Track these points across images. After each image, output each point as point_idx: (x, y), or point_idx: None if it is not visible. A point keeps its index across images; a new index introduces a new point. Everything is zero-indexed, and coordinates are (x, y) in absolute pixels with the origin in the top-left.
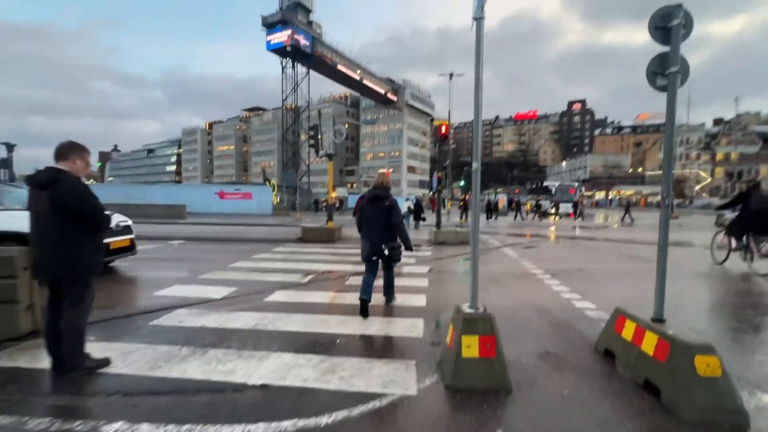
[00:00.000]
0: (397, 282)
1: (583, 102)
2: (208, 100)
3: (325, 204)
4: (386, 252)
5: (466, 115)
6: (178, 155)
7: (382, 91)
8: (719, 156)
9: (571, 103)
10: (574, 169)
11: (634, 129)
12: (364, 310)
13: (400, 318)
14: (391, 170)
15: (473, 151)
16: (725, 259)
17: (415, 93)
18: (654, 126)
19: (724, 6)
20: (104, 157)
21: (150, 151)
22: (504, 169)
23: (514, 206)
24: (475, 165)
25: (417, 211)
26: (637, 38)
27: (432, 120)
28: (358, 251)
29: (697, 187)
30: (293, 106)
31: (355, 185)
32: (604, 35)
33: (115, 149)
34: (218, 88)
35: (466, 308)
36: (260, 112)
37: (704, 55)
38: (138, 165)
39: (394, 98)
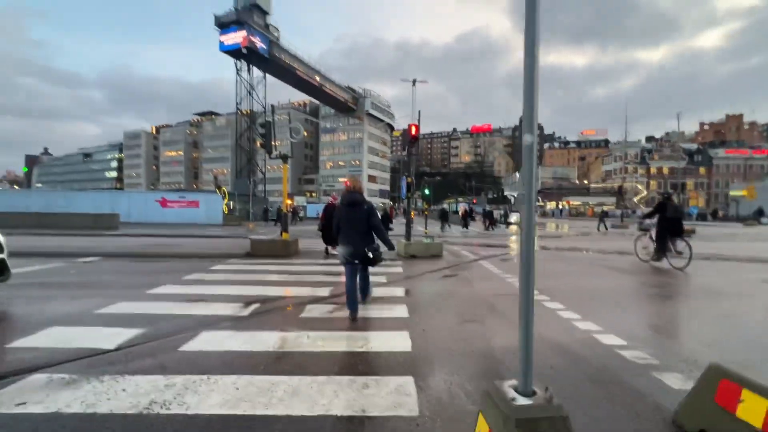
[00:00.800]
0: (371, 312)
1: None
2: (156, 103)
3: (280, 213)
4: (370, 255)
5: (424, 127)
6: (120, 160)
7: (342, 99)
8: (653, 170)
9: (521, 119)
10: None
11: (579, 144)
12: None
13: (380, 376)
14: (351, 179)
15: (523, 121)
16: (650, 259)
17: (375, 102)
18: (596, 141)
19: (651, 36)
20: (32, 161)
21: (87, 155)
22: (461, 180)
23: (476, 216)
24: (529, 138)
25: (384, 220)
26: (577, 61)
27: (392, 129)
28: (318, 268)
29: (635, 199)
30: (248, 111)
31: (314, 194)
32: (549, 57)
33: (46, 152)
34: (167, 92)
35: (514, 394)
36: (213, 116)
37: (634, 79)
38: (72, 170)
39: (355, 107)
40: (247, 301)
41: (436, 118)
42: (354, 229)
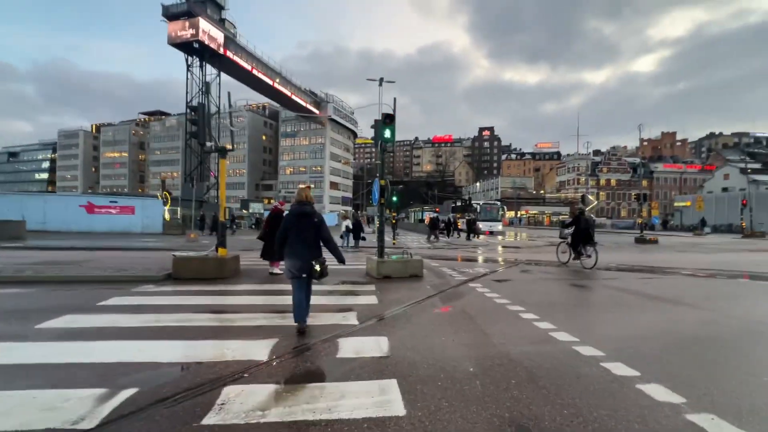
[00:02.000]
0: (344, 402)
1: (491, 129)
2: (99, 102)
3: (216, 221)
4: (317, 268)
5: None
6: (52, 161)
7: (304, 103)
8: (602, 181)
9: (481, 129)
10: (487, 190)
11: (534, 155)
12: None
13: None
14: (312, 186)
15: None
16: (567, 261)
17: (338, 108)
18: (549, 153)
19: (595, 59)
20: None
21: (13, 154)
22: (423, 188)
23: (446, 226)
24: None
25: (356, 230)
26: (530, 78)
27: (355, 136)
28: (260, 300)
29: (587, 209)
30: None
31: (272, 201)
32: (506, 73)
33: None
34: (112, 90)
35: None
36: (162, 116)
37: (581, 97)
38: None
39: (317, 111)
40: (113, 385)
41: (398, 128)
42: (303, 242)
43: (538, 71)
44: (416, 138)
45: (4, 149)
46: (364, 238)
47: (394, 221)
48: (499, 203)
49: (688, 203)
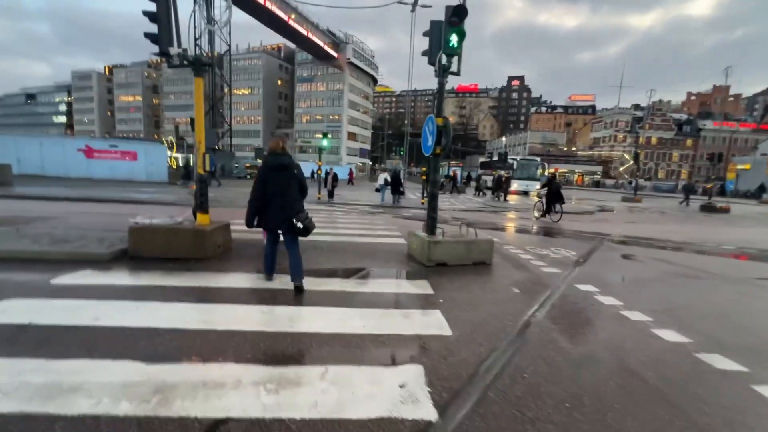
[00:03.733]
0: None
1: (521, 79)
2: (113, 42)
3: (189, 170)
4: (299, 225)
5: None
6: (69, 104)
7: (321, 44)
8: (642, 139)
9: (510, 79)
10: (514, 145)
11: (566, 109)
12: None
13: None
14: (329, 135)
15: None
16: (541, 216)
17: (358, 50)
18: (583, 107)
19: (641, 1)
20: None
21: (30, 96)
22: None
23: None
24: None
25: (395, 183)
26: (568, 21)
27: (375, 83)
28: (252, 312)
29: (621, 169)
30: (211, 54)
31: (288, 150)
32: (540, 15)
33: None
34: (126, 30)
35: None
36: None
37: (623, 45)
38: (13, 113)
39: (335, 54)
40: None
41: (419, 77)
42: (281, 197)
43: (577, 13)
44: None
45: (21, 90)
46: (402, 193)
47: (423, 177)
48: (538, 159)
49: (748, 166)
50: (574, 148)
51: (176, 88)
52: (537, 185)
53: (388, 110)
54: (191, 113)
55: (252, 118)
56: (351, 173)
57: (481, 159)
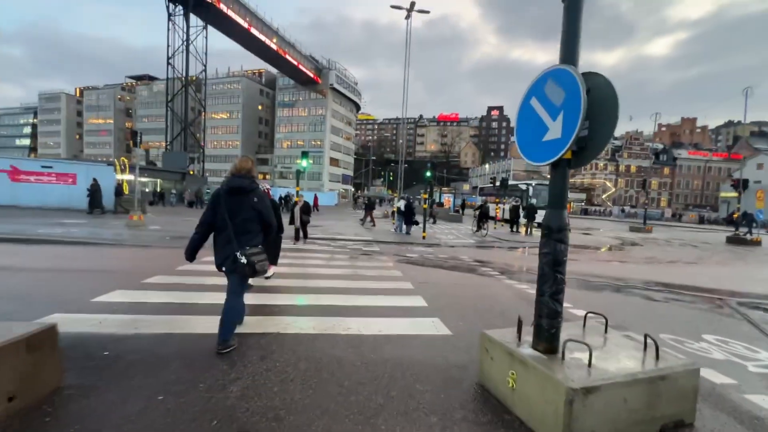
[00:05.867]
0: None
1: (500, 109)
2: (90, 66)
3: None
4: (242, 260)
5: (389, 113)
6: (34, 125)
7: (304, 69)
8: (621, 167)
9: (490, 109)
10: (498, 172)
11: None
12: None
13: None
14: (311, 161)
15: None
16: (477, 231)
17: (341, 76)
18: None
19: (608, 39)
20: None
21: None
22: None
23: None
24: None
25: (408, 213)
26: (540, 57)
27: (358, 110)
28: None
29: (603, 196)
30: (190, 77)
31: (268, 176)
32: (514, 51)
33: None
34: (102, 54)
35: None
36: (150, 81)
37: None
38: None
39: (318, 79)
40: None
41: (400, 104)
42: (232, 227)
43: (547, 50)
44: (421, 116)
45: None
46: (416, 223)
47: (425, 206)
48: None
49: (736, 194)
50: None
51: (150, 111)
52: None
53: (370, 137)
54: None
55: (230, 142)
56: (315, 198)
57: (481, 185)
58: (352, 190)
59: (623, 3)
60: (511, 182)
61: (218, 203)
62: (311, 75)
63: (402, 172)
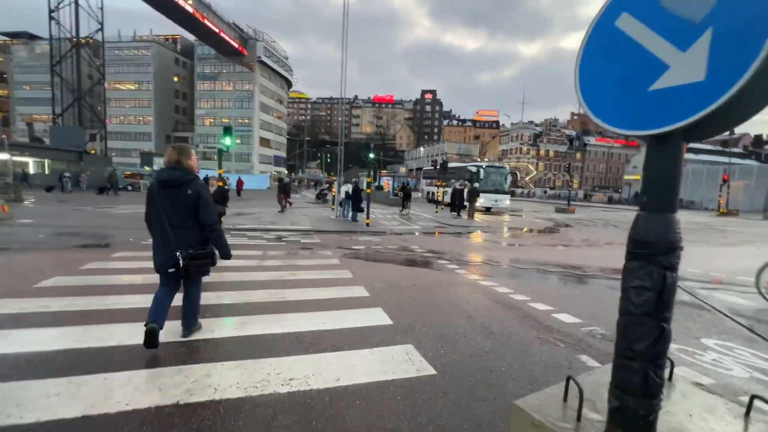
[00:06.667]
0: None
1: (433, 93)
2: None
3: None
4: (182, 262)
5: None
6: None
7: (227, 38)
8: (542, 152)
9: (424, 92)
10: (432, 156)
11: (474, 123)
12: (151, 342)
13: None
14: (237, 140)
15: None
16: (401, 211)
17: (270, 49)
18: (489, 122)
19: (530, 31)
20: None
21: None
22: (362, 151)
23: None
24: None
25: (356, 197)
26: (470, 44)
27: (289, 87)
28: None
29: (527, 178)
30: (82, 37)
31: (188, 163)
32: (446, 35)
33: None
34: None
35: None
36: (29, 40)
37: (515, 69)
38: None
39: (243, 51)
40: None
41: (336, 83)
42: (169, 223)
43: (477, 37)
44: (356, 96)
45: None
46: (362, 210)
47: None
48: (507, 167)
49: (637, 177)
50: (486, 159)
51: (34, 76)
52: (507, 200)
53: (304, 117)
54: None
55: (141, 118)
56: (239, 183)
57: (425, 167)
58: (286, 172)
59: None
60: (458, 164)
61: (152, 198)
62: (235, 45)
63: (342, 154)
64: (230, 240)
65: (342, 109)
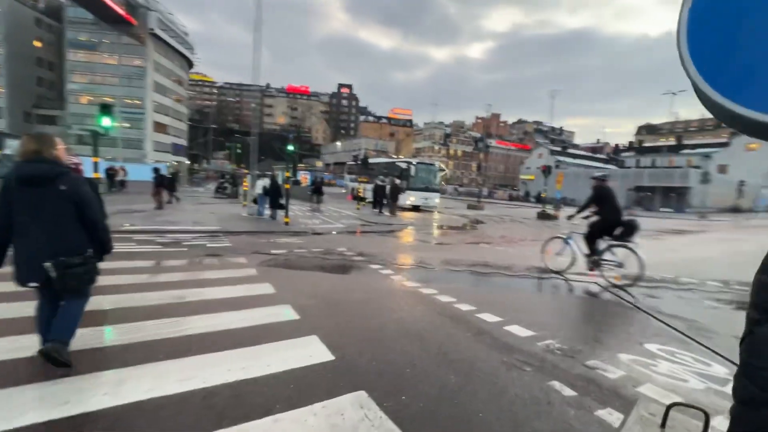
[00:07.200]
0: None
1: (350, 87)
2: None
3: None
4: (53, 273)
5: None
6: None
7: (109, 1)
8: (452, 151)
9: (340, 86)
10: (349, 151)
11: (389, 120)
12: (54, 360)
13: None
14: (127, 126)
15: None
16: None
17: (166, 22)
18: (403, 120)
19: (440, 36)
20: None
21: None
22: (277, 143)
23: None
24: None
25: (274, 193)
26: (384, 42)
27: (190, 67)
28: None
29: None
30: None
31: (59, 155)
32: (361, 31)
33: None
34: None
35: None
36: None
37: (426, 71)
38: None
39: (131, 20)
40: None
41: (248, 71)
42: (36, 227)
43: (391, 36)
44: (268, 84)
45: None
46: (282, 206)
47: (288, 185)
48: (437, 164)
49: (532, 177)
50: (400, 156)
51: None
52: (437, 198)
53: (209, 102)
54: None
55: None
56: (114, 172)
57: (349, 162)
58: (188, 162)
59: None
60: (387, 160)
61: (9, 199)
62: (120, 12)
63: (256, 145)
64: (126, 245)
65: (255, 96)
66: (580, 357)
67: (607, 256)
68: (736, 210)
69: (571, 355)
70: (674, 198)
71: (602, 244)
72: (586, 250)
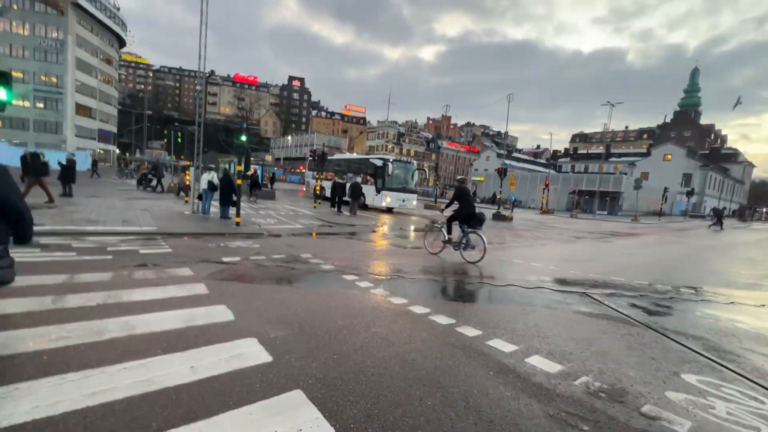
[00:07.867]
0: None
1: (302, 80)
2: None
3: None
4: None
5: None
6: None
7: None
8: (405, 151)
9: (291, 78)
10: (300, 146)
11: (343, 117)
12: None
13: None
14: (40, 105)
15: None
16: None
17: None
18: (357, 117)
19: (393, 36)
20: None
21: None
22: (221, 134)
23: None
24: None
25: (228, 190)
26: (337, 38)
27: (122, 45)
28: None
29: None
30: None
31: None
32: (314, 24)
33: None
34: None
35: None
36: None
37: (379, 70)
38: None
39: None
40: None
41: (189, 56)
42: None
43: (344, 32)
44: (213, 71)
45: None
46: (235, 204)
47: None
48: (414, 163)
49: (482, 178)
50: (354, 154)
51: None
52: (414, 200)
53: (143, 86)
54: None
55: None
56: (23, 159)
57: (308, 158)
58: (117, 151)
59: (405, 7)
60: (358, 156)
61: None
62: None
63: (201, 134)
64: (14, 255)
65: (199, 81)
66: (629, 401)
67: (464, 240)
68: (659, 214)
69: (619, 399)
70: (608, 202)
71: (458, 230)
72: (447, 234)
